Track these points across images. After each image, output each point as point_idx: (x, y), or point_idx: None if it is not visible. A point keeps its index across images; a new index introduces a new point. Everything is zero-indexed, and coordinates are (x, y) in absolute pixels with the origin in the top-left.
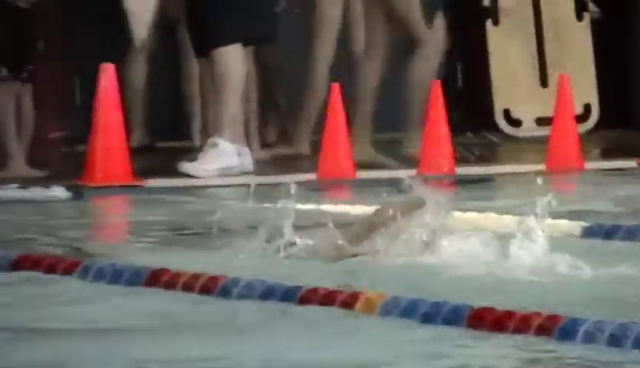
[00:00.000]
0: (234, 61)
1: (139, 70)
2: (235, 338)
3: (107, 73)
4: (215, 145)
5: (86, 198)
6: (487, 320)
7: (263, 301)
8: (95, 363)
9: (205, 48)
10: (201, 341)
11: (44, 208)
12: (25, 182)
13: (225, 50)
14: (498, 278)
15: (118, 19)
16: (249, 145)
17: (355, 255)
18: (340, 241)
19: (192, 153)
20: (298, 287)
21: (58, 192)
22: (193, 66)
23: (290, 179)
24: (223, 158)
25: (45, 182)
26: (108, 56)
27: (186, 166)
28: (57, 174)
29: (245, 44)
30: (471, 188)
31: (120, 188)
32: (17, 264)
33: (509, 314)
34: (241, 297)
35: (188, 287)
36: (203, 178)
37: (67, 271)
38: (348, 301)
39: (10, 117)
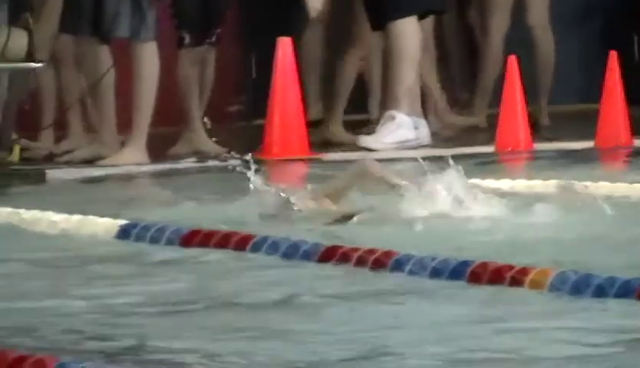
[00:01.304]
0: (410, 34)
1: (315, 44)
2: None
3: (284, 47)
4: (392, 118)
5: (263, 171)
6: None
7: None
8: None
9: (380, 21)
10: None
11: (220, 181)
12: (203, 155)
13: (400, 23)
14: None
15: None
16: (426, 117)
17: (350, 217)
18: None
19: (370, 126)
20: (468, 262)
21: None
22: (369, 38)
23: (468, 151)
24: (400, 131)
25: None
26: (285, 29)
27: (363, 140)
28: (234, 147)
29: (420, 16)
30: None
31: (296, 162)
32: (188, 239)
33: None
34: (412, 272)
35: (361, 261)
36: (381, 151)
37: (240, 245)
38: (517, 277)
39: (194, 85)
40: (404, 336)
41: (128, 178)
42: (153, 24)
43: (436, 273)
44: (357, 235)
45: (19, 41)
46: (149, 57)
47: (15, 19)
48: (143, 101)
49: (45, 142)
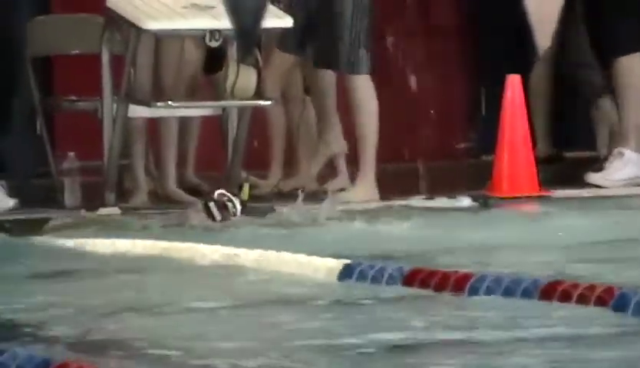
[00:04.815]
0: (635, 71)
1: (543, 80)
2: None
3: (513, 85)
4: (620, 154)
5: (492, 208)
6: None
7: None
8: None
9: (606, 57)
10: None
11: (449, 218)
12: (432, 192)
13: (626, 59)
14: None
15: (523, 29)
16: None
17: None
18: None
19: (598, 163)
20: None
21: (465, 202)
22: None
23: None
24: (629, 168)
25: (451, 192)
26: (514, 67)
27: (592, 177)
28: (463, 184)
29: None
30: None
31: (526, 199)
32: (409, 278)
33: None
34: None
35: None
36: (609, 188)
37: (458, 286)
38: None
39: None
40: None
41: (358, 214)
42: (368, 58)
43: None
44: None
45: (248, 78)
46: (363, 90)
47: (245, 57)
48: (367, 135)
49: (273, 179)
